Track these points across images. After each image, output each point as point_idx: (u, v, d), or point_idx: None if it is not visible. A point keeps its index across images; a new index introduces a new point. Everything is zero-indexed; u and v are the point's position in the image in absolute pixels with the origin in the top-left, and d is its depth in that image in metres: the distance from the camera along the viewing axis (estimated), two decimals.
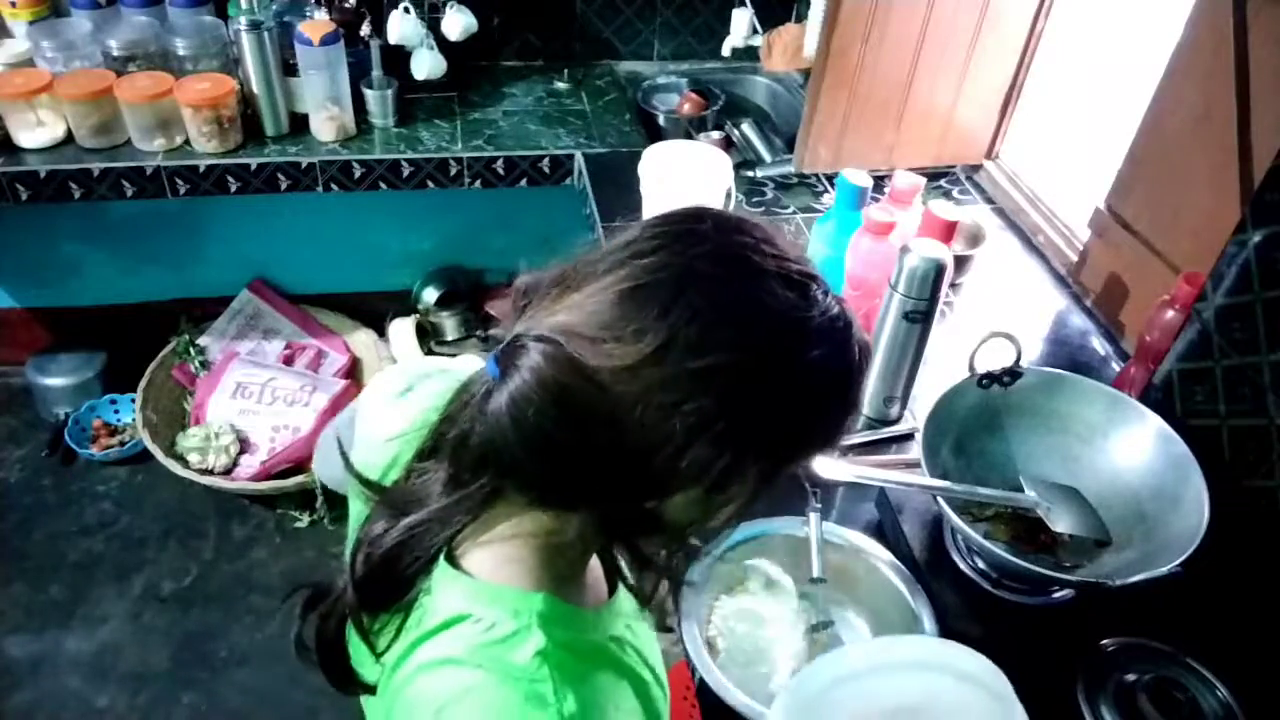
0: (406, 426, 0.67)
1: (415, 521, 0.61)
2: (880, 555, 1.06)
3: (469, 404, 0.58)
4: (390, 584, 0.62)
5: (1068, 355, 1.45)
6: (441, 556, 0.62)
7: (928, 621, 0.99)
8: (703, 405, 0.54)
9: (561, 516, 0.61)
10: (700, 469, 0.55)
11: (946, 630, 1.00)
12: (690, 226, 0.58)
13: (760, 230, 0.59)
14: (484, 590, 0.61)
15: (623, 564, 0.68)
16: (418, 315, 2.49)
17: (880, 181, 1.64)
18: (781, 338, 0.55)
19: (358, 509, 0.76)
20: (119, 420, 2.39)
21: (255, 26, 1.74)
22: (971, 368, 1.12)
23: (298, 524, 2.23)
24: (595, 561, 0.72)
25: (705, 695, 0.95)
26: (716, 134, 2.02)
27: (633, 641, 0.70)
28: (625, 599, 0.72)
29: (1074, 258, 1.57)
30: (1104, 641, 0.99)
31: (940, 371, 1.28)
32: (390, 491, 0.64)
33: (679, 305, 0.53)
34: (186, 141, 1.82)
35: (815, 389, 0.58)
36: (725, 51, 2.21)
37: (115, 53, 1.80)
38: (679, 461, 0.55)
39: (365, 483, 0.67)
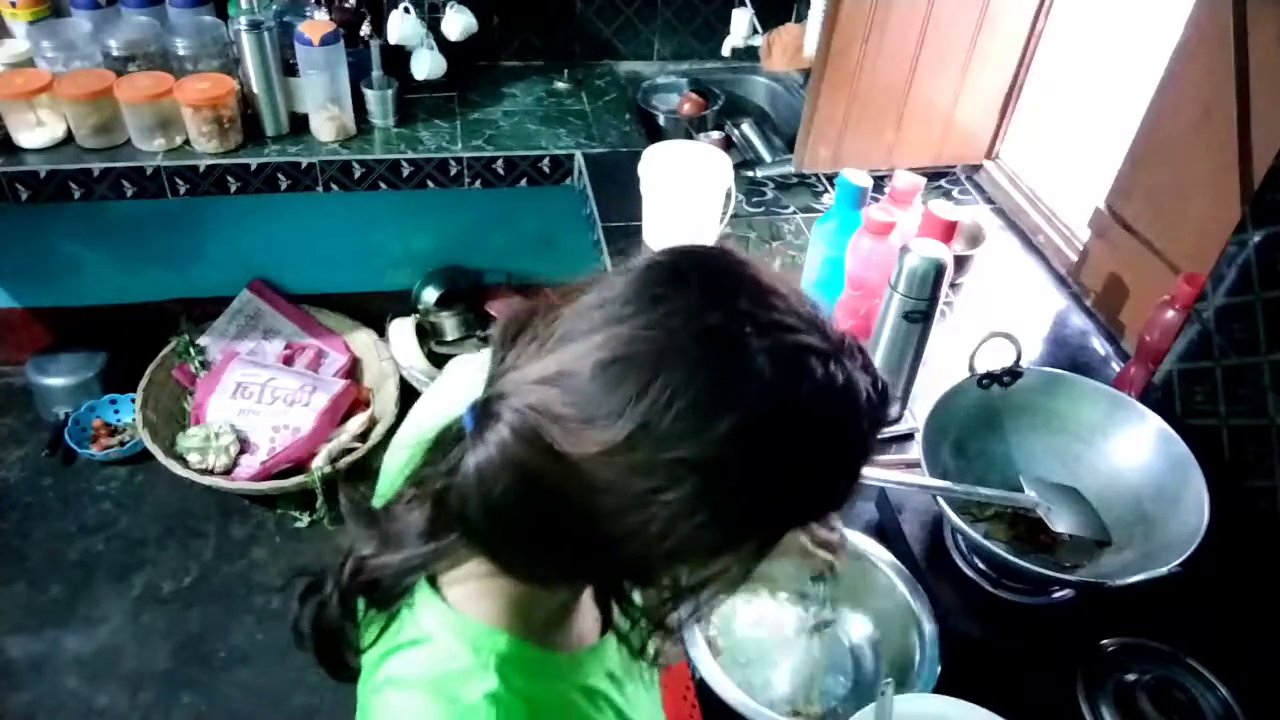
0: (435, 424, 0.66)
1: (395, 562, 0.59)
2: (881, 556, 1.06)
3: (445, 455, 0.56)
4: (373, 600, 0.62)
5: (1068, 355, 1.45)
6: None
7: (927, 623, 0.99)
8: (679, 495, 0.50)
9: None
10: (684, 552, 0.53)
11: (946, 630, 1.00)
12: (675, 286, 0.53)
13: (753, 288, 0.53)
14: (452, 618, 0.60)
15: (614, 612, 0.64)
16: (418, 315, 2.49)
17: (880, 181, 1.64)
18: (764, 424, 0.50)
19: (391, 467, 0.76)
20: (119, 420, 2.39)
21: (255, 26, 1.74)
22: (971, 368, 1.12)
23: (298, 524, 2.23)
24: (589, 602, 0.68)
25: (705, 695, 0.95)
26: (716, 134, 2.02)
27: (609, 695, 0.67)
28: (614, 643, 0.69)
29: (1074, 258, 1.57)
30: (1104, 641, 0.99)
31: (940, 371, 1.28)
32: (382, 515, 0.62)
33: (653, 389, 0.49)
34: (186, 141, 1.82)
35: (811, 463, 0.54)
36: (725, 51, 2.21)
37: (115, 53, 1.80)
38: (660, 547, 0.52)
39: (359, 507, 0.64)
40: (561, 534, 0.53)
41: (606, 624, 0.68)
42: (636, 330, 0.51)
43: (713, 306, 0.51)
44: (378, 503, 0.69)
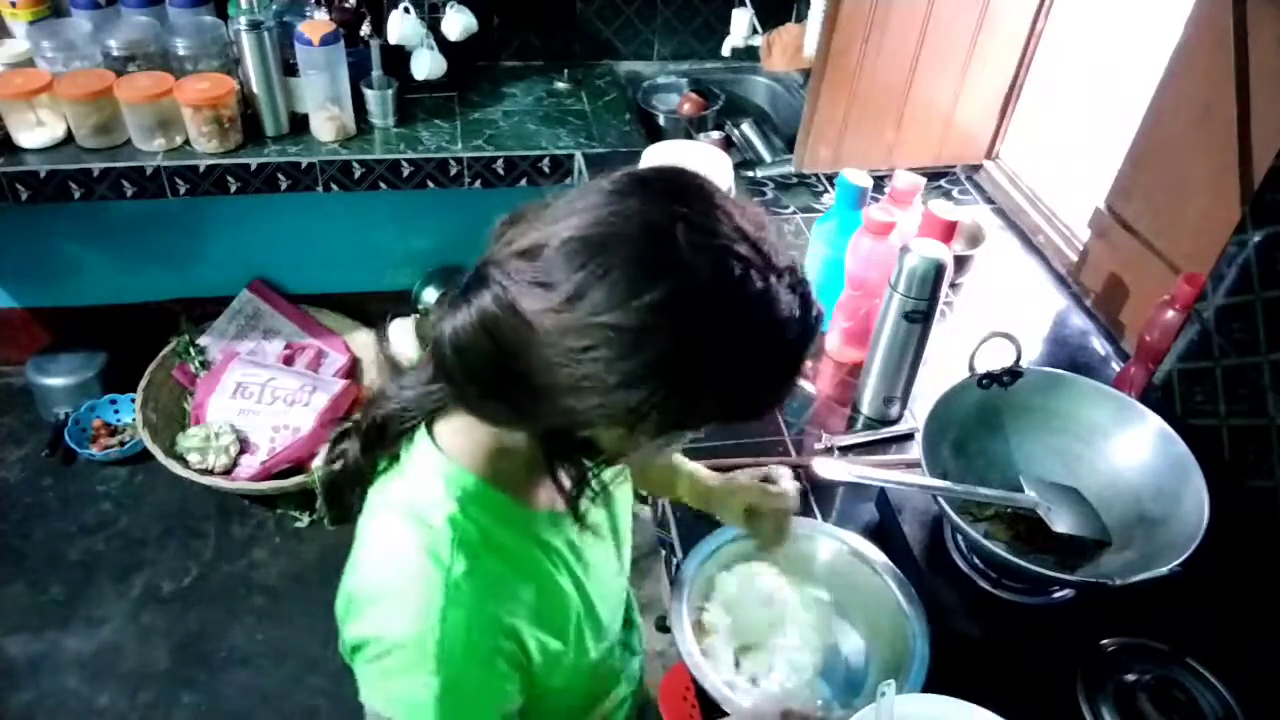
0: None
1: (401, 399, 0.73)
2: (875, 558, 1.06)
3: (441, 314, 0.66)
4: (383, 439, 0.74)
5: (1068, 355, 1.45)
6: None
7: (917, 623, 0.99)
8: (602, 355, 0.59)
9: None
10: (610, 409, 0.61)
11: (946, 630, 1.00)
12: (635, 190, 0.62)
13: (703, 201, 0.62)
14: (433, 455, 0.71)
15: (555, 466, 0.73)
16: (418, 315, 2.49)
17: (880, 181, 1.64)
18: (681, 305, 0.58)
19: None
20: (119, 420, 2.39)
21: (255, 26, 1.74)
22: (971, 368, 1.12)
23: (298, 524, 2.23)
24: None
25: (704, 693, 0.95)
26: (716, 134, 2.02)
27: (566, 556, 0.77)
28: (575, 523, 0.77)
29: (1074, 258, 1.57)
30: (1104, 641, 0.99)
31: (940, 371, 1.28)
32: (405, 369, 0.77)
33: (595, 264, 0.58)
34: (186, 141, 1.82)
35: (721, 357, 0.60)
36: (725, 51, 2.21)
37: (115, 53, 1.80)
38: (585, 400, 0.61)
39: (391, 363, 0.80)
40: (512, 378, 0.62)
41: (568, 500, 0.75)
42: (596, 217, 0.60)
43: (660, 206, 0.60)
44: None
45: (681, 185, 0.64)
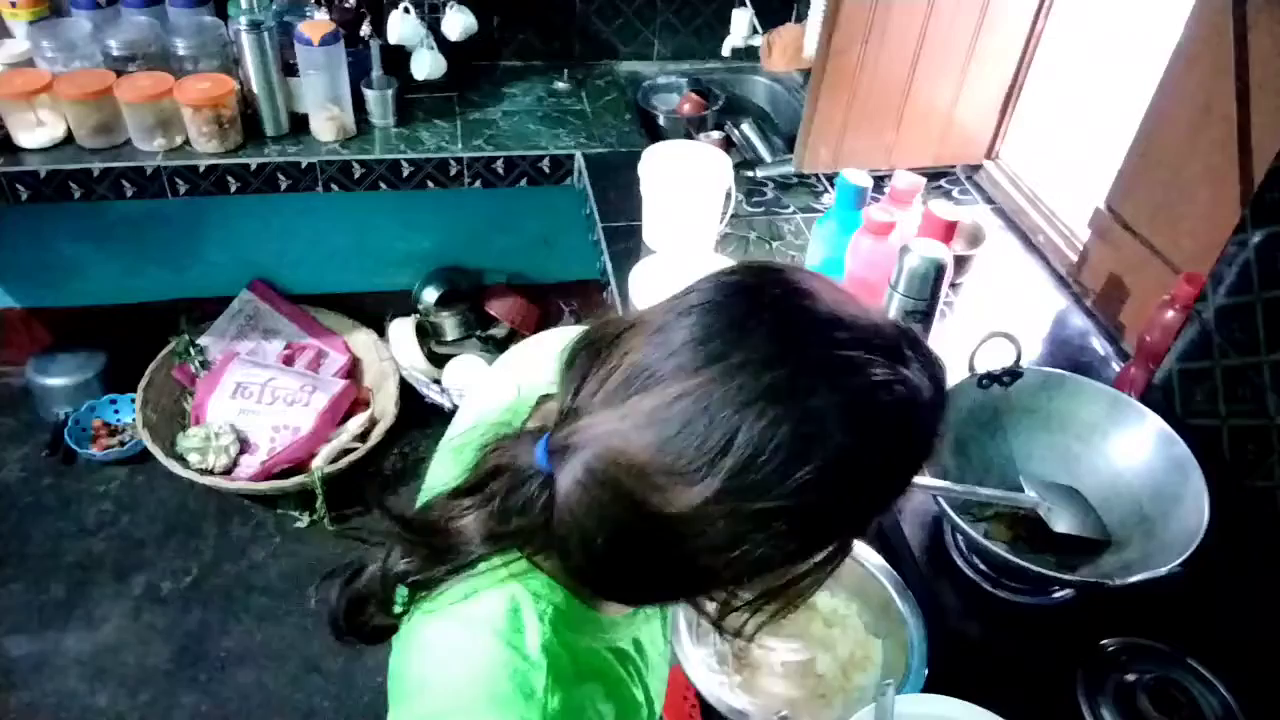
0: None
1: (447, 569, 0.61)
2: (871, 560, 1.06)
3: (518, 485, 0.58)
4: (417, 589, 0.64)
5: (1068, 355, 1.45)
6: None
7: (915, 629, 0.99)
8: (771, 533, 0.54)
9: None
10: (765, 572, 0.57)
11: (946, 630, 1.00)
12: (744, 331, 0.55)
13: (819, 324, 0.55)
14: (517, 564, 0.62)
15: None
16: (418, 315, 2.49)
17: (880, 181, 1.64)
18: (846, 459, 0.54)
19: (438, 474, 0.77)
20: (119, 420, 2.39)
21: (255, 26, 1.74)
22: (971, 368, 1.12)
23: (298, 524, 2.23)
24: None
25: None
26: (716, 134, 2.02)
27: (635, 659, 0.71)
28: (646, 613, 0.73)
29: (1074, 258, 1.57)
30: (1104, 641, 0.99)
31: None
32: (432, 516, 0.63)
33: (736, 446, 0.52)
34: (186, 141, 1.82)
35: (889, 474, 0.58)
36: (725, 51, 2.21)
37: (115, 53, 1.80)
38: (749, 571, 0.56)
39: (394, 518, 0.64)
40: (652, 569, 0.57)
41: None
42: (708, 386, 0.53)
43: (781, 358, 0.53)
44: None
45: (786, 310, 0.56)
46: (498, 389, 0.79)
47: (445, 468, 0.74)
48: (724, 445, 0.52)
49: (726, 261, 1.35)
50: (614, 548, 0.55)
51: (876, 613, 1.04)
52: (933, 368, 0.58)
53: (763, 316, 0.55)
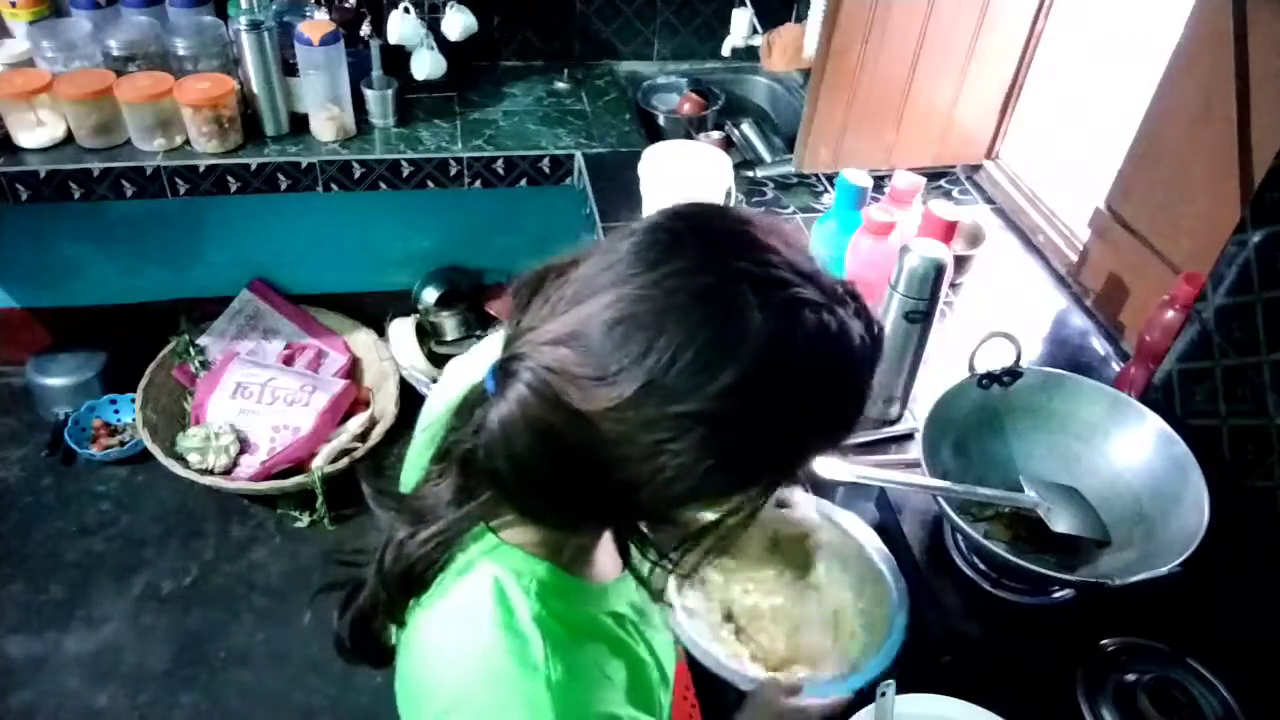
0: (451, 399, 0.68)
1: (428, 536, 0.62)
2: (870, 541, 1.07)
3: (468, 418, 0.59)
4: (412, 584, 0.65)
5: (1068, 355, 1.45)
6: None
7: (899, 613, 1.00)
8: (686, 445, 0.54)
9: None
10: (694, 496, 0.57)
11: (946, 630, 1.00)
12: (674, 248, 0.56)
13: (749, 243, 0.56)
14: (496, 547, 0.63)
15: (632, 550, 0.69)
16: (418, 315, 2.49)
17: (880, 181, 1.64)
18: (763, 374, 0.54)
19: (413, 458, 0.79)
20: (119, 420, 2.39)
21: (255, 26, 1.74)
22: (971, 368, 1.12)
23: (298, 524, 2.23)
24: (609, 538, 0.73)
25: (704, 693, 0.95)
26: (716, 134, 2.02)
27: (633, 619, 0.72)
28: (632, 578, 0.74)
29: (1074, 258, 1.57)
30: (1104, 641, 0.99)
31: (940, 371, 1.28)
32: (409, 499, 0.66)
33: (657, 348, 0.53)
34: (186, 141, 1.82)
35: (809, 408, 0.57)
36: (725, 51, 2.21)
37: (115, 53, 1.80)
38: (670, 489, 0.56)
39: (383, 494, 0.68)
40: (581, 483, 0.56)
41: (626, 562, 0.72)
42: (640, 291, 0.54)
43: (709, 266, 0.54)
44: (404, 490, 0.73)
45: (721, 231, 0.57)
46: (459, 380, 0.79)
47: (418, 453, 0.75)
48: (645, 348, 0.52)
49: None
50: (543, 460, 0.55)
51: (862, 575, 1.06)
52: (869, 318, 0.59)
53: (701, 234, 0.57)
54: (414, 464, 0.76)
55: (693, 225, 0.58)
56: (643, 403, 0.53)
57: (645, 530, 0.66)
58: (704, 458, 0.54)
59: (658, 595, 0.69)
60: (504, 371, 0.56)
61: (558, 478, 0.56)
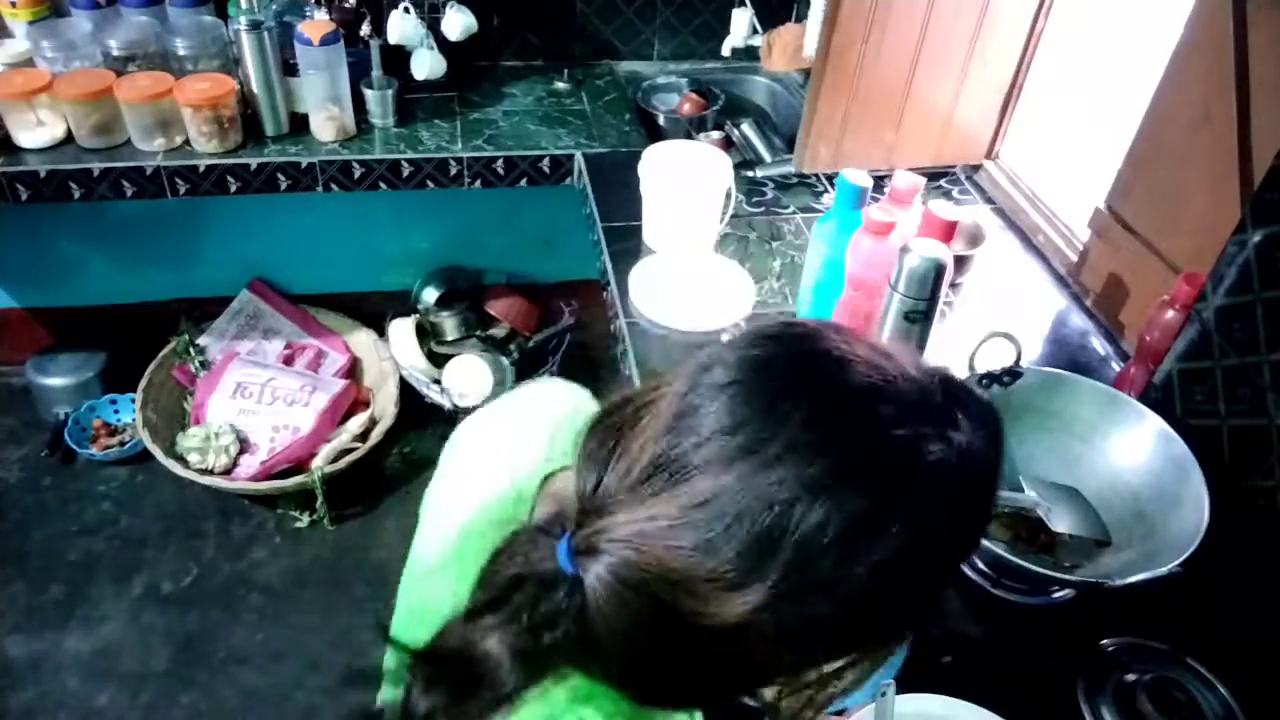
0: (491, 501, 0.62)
1: (487, 704, 0.54)
2: None
3: (544, 592, 0.51)
4: None
5: (1068, 355, 1.44)
6: None
7: None
8: (816, 634, 0.50)
9: None
10: (818, 664, 0.54)
11: (946, 630, 1.00)
12: (778, 417, 0.50)
13: (860, 397, 0.51)
14: (578, 687, 0.55)
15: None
16: (418, 315, 2.49)
17: (880, 181, 1.64)
18: (901, 550, 0.49)
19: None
20: (119, 420, 2.39)
21: (255, 26, 1.74)
22: (971, 368, 1.12)
23: (298, 524, 2.23)
24: None
25: None
26: (716, 134, 2.02)
27: None
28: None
29: (1074, 258, 1.57)
30: (1104, 641, 0.99)
31: None
32: (445, 657, 0.55)
33: (783, 548, 0.47)
34: (186, 141, 1.82)
35: (949, 547, 0.54)
36: (725, 51, 2.21)
37: (115, 53, 1.80)
38: (794, 669, 0.53)
39: (412, 654, 0.57)
40: (694, 670, 0.51)
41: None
42: (748, 478, 0.48)
43: (826, 446, 0.49)
44: (415, 587, 0.66)
45: (828, 390, 0.51)
46: (484, 477, 0.71)
47: (443, 583, 0.66)
48: (769, 548, 0.47)
49: (733, 269, 1.34)
50: (655, 655, 0.50)
51: None
52: (985, 416, 0.54)
53: (797, 398, 0.50)
54: (426, 596, 0.67)
55: (786, 384, 0.51)
56: (771, 608, 0.48)
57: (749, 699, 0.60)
58: (834, 638, 0.51)
59: None
60: (589, 551, 0.50)
61: (673, 672, 0.51)
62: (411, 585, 0.73)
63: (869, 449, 0.49)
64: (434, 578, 0.69)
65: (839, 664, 0.55)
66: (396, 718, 0.56)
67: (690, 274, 1.48)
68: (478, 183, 1.93)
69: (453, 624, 0.55)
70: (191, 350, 2.40)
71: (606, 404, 0.57)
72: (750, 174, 1.82)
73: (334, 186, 1.88)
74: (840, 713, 0.88)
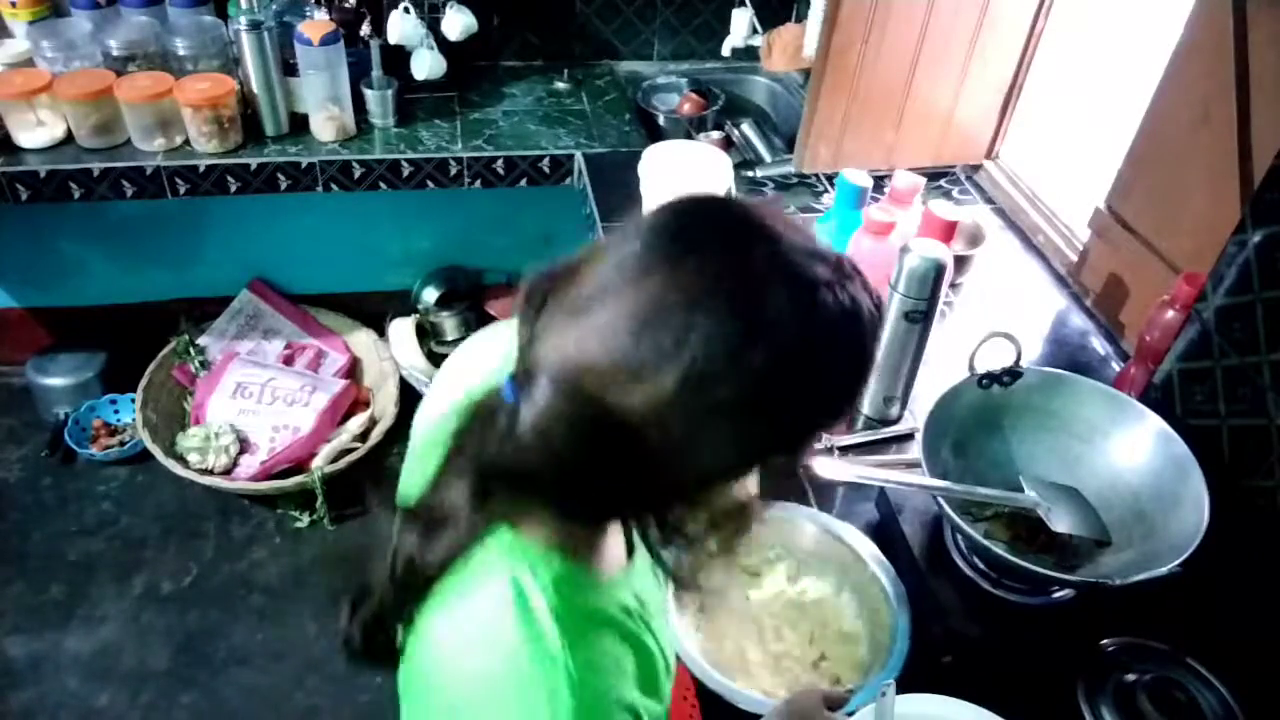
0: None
1: (448, 543, 0.63)
2: (864, 548, 1.07)
3: (489, 425, 0.60)
4: (429, 589, 0.65)
5: (1068, 355, 1.45)
6: None
7: (901, 616, 1.00)
8: (722, 426, 0.57)
9: None
10: (725, 473, 0.60)
11: (946, 630, 1.00)
12: (693, 242, 0.58)
13: (761, 231, 0.58)
14: (509, 542, 0.64)
15: (648, 536, 0.69)
16: (418, 315, 2.49)
17: (880, 181, 1.64)
18: (790, 354, 0.57)
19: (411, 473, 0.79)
20: (119, 420, 2.39)
21: (255, 26, 1.74)
22: (971, 368, 1.12)
23: (298, 524, 2.23)
24: (616, 531, 0.74)
25: (705, 694, 0.95)
26: (716, 134, 2.02)
27: (641, 612, 0.73)
28: (639, 568, 0.75)
29: (1074, 258, 1.58)
30: (1104, 641, 0.99)
31: (940, 371, 1.28)
32: (420, 508, 0.66)
33: (688, 343, 0.54)
34: (186, 141, 1.82)
35: (830, 381, 0.61)
36: (725, 51, 2.21)
37: (115, 53, 1.80)
38: (703, 472, 0.59)
39: (395, 508, 0.68)
40: (619, 476, 0.58)
41: (630, 551, 0.74)
42: (663, 286, 0.56)
43: (726, 258, 0.57)
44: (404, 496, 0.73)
45: (729, 221, 0.60)
46: (443, 399, 0.79)
47: (420, 460, 0.75)
48: (677, 342, 0.54)
49: None
50: (578, 458, 0.57)
51: (862, 589, 1.07)
52: (869, 288, 0.62)
53: (709, 226, 0.59)
54: (416, 471, 0.76)
55: (699, 218, 0.61)
56: (680, 394, 0.55)
57: (666, 517, 0.67)
58: (735, 438, 0.58)
59: (680, 581, 0.69)
60: (527, 377, 0.58)
61: (595, 474, 0.58)
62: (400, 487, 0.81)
63: (770, 264, 0.57)
64: (410, 471, 0.78)
65: (731, 495, 0.62)
66: (385, 588, 0.66)
67: None
68: (478, 183, 1.93)
69: (426, 485, 0.65)
70: (191, 350, 2.40)
71: (535, 273, 0.64)
72: (750, 174, 1.82)
73: (334, 186, 1.88)
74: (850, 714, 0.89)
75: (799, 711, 0.86)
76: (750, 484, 0.68)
